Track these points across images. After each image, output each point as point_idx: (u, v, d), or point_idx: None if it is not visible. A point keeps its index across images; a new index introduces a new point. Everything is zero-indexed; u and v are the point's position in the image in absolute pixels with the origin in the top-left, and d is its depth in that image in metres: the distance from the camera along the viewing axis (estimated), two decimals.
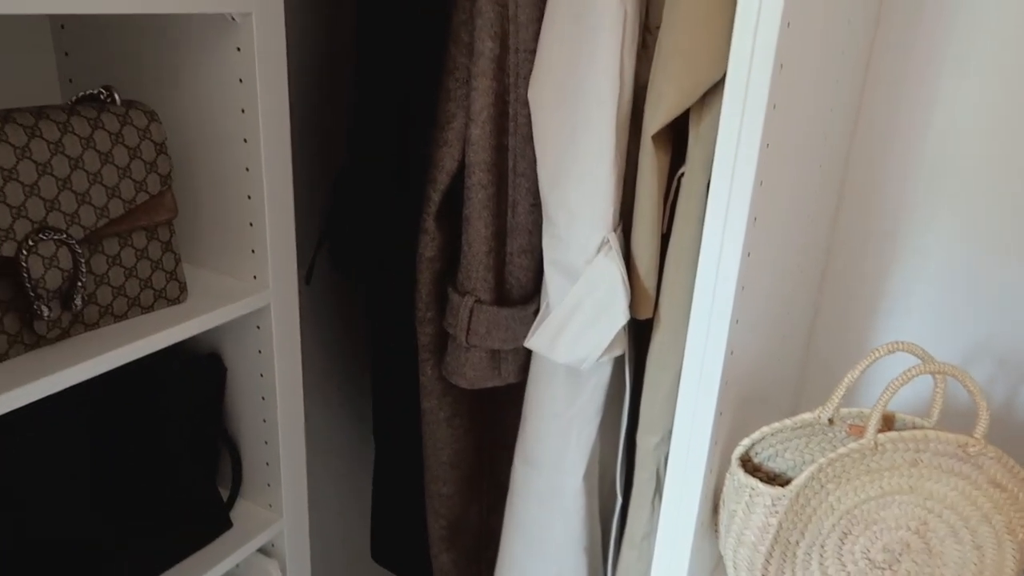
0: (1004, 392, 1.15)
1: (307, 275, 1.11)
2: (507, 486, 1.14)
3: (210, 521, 1.13)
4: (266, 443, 1.15)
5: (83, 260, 0.83)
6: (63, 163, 0.81)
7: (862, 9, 1.02)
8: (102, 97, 0.87)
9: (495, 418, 1.17)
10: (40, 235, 0.79)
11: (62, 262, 0.82)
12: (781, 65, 0.73)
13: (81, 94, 0.88)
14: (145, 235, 0.92)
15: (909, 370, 0.80)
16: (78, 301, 0.83)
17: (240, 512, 1.19)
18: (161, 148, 0.90)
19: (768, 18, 0.70)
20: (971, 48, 1.06)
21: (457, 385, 1.05)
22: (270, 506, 1.19)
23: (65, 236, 0.81)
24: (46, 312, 0.81)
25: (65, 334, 0.85)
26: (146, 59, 1.02)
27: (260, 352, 1.10)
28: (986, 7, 1.04)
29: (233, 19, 0.92)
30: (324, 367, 1.44)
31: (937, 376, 0.85)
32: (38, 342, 0.83)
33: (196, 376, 1.09)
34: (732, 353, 0.84)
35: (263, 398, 1.12)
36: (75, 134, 0.82)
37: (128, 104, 0.88)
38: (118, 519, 1.03)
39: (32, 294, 0.79)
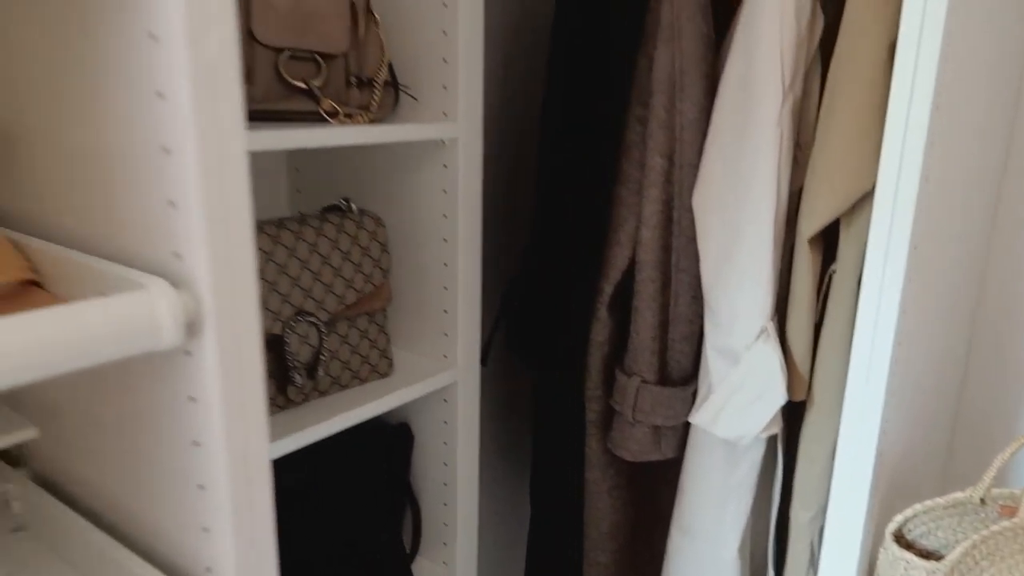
0: None
1: (483, 356, 1.27)
2: (662, 558, 1.22)
3: (395, 574, 1.27)
4: (445, 505, 1.29)
5: (325, 338, 1.02)
6: (316, 260, 1.01)
7: (1001, 127, 1.11)
8: (342, 207, 1.08)
9: (652, 491, 1.27)
10: (298, 317, 0.99)
11: (311, 340, 1.01)
12: (926, 178, 0.84)
13: (327, 205, 1.09)
14: (367, 319, 1.10)
15: None
16: (320, 372, 1.02)
17: (417, 569, 1.33)
18: (384, 247, 1.10)
19: (914, 140, 0.82)
20: None
21: (621, 458, 1.16)
22: (445, 564, 1.32)
23: (315, 319, 1.00)
24: (298, 380, 1.00)
25: (305, 399, 1.04)
26: (364, 173, 1.24)
27: (446, 423, 1.25)
28: None
29: (443, 143, 1.12)
30: (490, 435, 1.59)
31: None
32: (286, 405, 1.02)
33: (391, 442, 1.26)
34: (885, 433, 0.93)
35: (445, 464, 1.27)
36: (326, 237, 1.02)
37: (362, 212, 1.09)
38: (320, 561, 1.19)
39: (289, 365, 0.98)
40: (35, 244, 0.65)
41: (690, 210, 1.05)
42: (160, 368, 0.63)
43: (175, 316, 0.55)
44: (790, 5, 0.92)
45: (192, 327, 0.57)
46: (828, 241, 0.99)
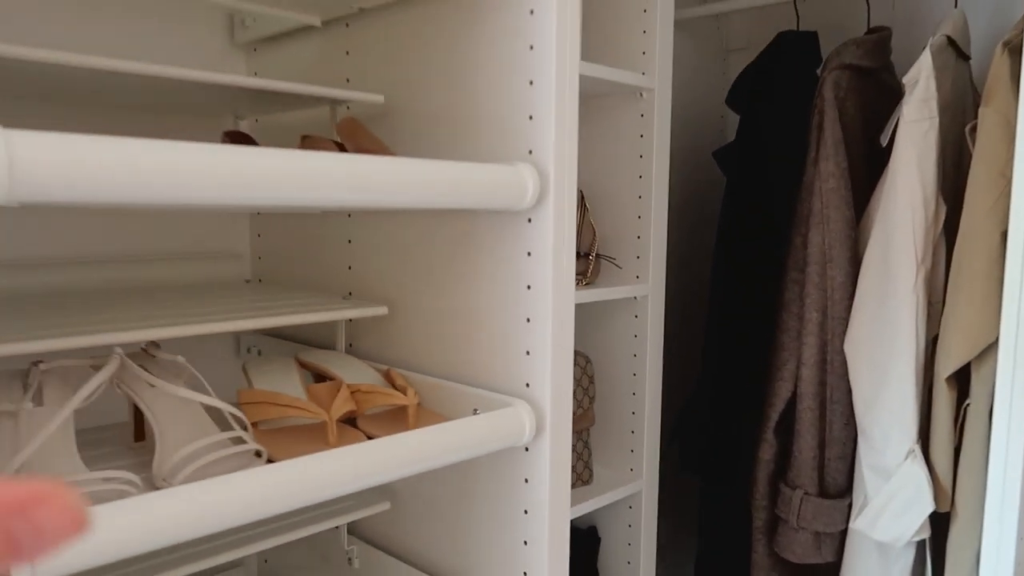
0: None
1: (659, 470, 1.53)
2: None
3: None
4: None
5: None
6: None
7: None
8: None
9: None
10: None
11: None
12: None
13: None
14: (576, 436, 1.39)
15: None
16: None
17: None
18: (592, 380, 1.40)
19: None
20: None
21: (783, 561, 1.38)
22: None
23: None
24: None
25: None
26: (578, 321, 1.57)
27: (629, 527, 1.50)
28: None
29: (635, 299, 1.44)
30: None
31: None
32: None
33: (583, 541, 1.52)
34: (1022, 539, 1.13)
35: (628, 563, 1.51)
36: None
37: (576, 352, 1.40)
38: None
39: None
40: (419, 378, 0.99)
41: (841, 353, 1.32)
42: (507, 458, 0.93)
43: (531, 425, 0.86)
44: (919, 199, 1.22)
45: (537, 431, 0.88)
46: (961, 380, 1.24)
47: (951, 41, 1.31)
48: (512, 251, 0.91)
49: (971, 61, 1.42)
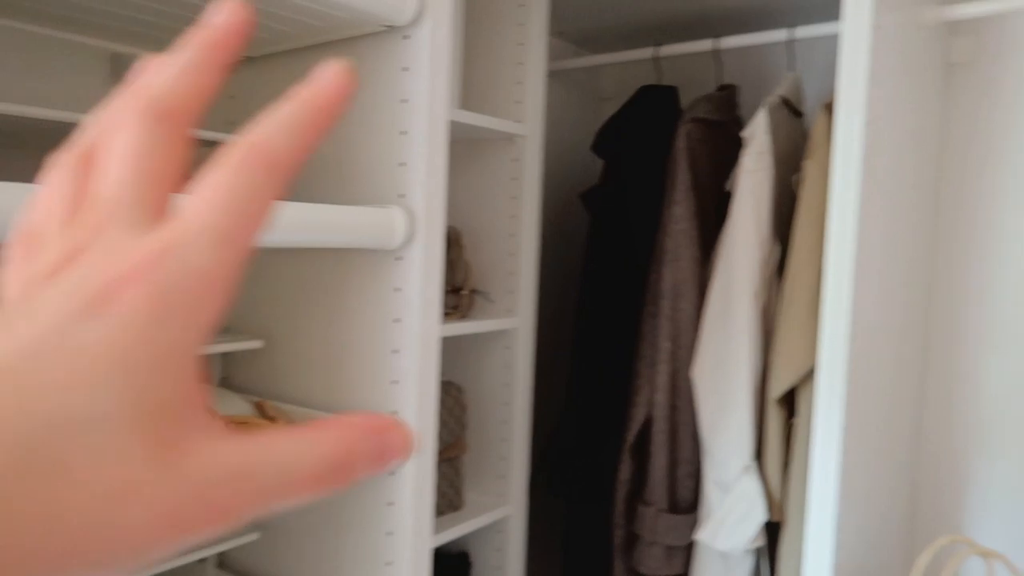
0: None
1: (528, 492, 1.62)
2: None
3: None
4: None
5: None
6: None
7: (916, 325, 1.55)
8: None
9: None
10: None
11: None
12: (850, 359, 1.26)
13: None
14: (448, 463, 1.46)
15: (958, 553, 1.21)
16: None
17: None
18: (465, 409, 1.47)
19: (842, 331, 1.24)
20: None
21: (642, 574, 1.49)
22: None
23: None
24: None
25: None
26: (452, 354, 1.64)
27: (499, 550, 1.58)
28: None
29: (506, 332, 1.53)
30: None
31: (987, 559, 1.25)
32: None
33: (455, 565, 1.58)
34: (840, 548, 1.28)
35: None
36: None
37: (448, 383, 1.47)
38: None
39: None
40: (292, 408, 1.04)
41: (689, 379, 1.45)
42: (372, 481, 0.99)
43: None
44: (755, 240, 1.37)
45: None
46: (790, 402, 1.39)
47: (785, 101, 1.49)
48: (381, 287, 0.97)
49: (804, 117, 1.61)
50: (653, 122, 1.66)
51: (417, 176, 0.93)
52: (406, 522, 0.96)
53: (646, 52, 1.73)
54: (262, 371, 1.12)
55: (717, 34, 1.75)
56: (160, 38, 1.07)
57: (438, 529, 1.40)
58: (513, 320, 1.51)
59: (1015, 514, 1.55)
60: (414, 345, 0.95)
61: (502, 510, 1.54)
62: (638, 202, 1.60)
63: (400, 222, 0.91)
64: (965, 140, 1.65)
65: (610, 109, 2.04)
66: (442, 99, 0.94)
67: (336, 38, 0.97)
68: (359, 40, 0.97)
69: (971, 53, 1.63)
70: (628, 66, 2.03)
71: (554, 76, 1.97)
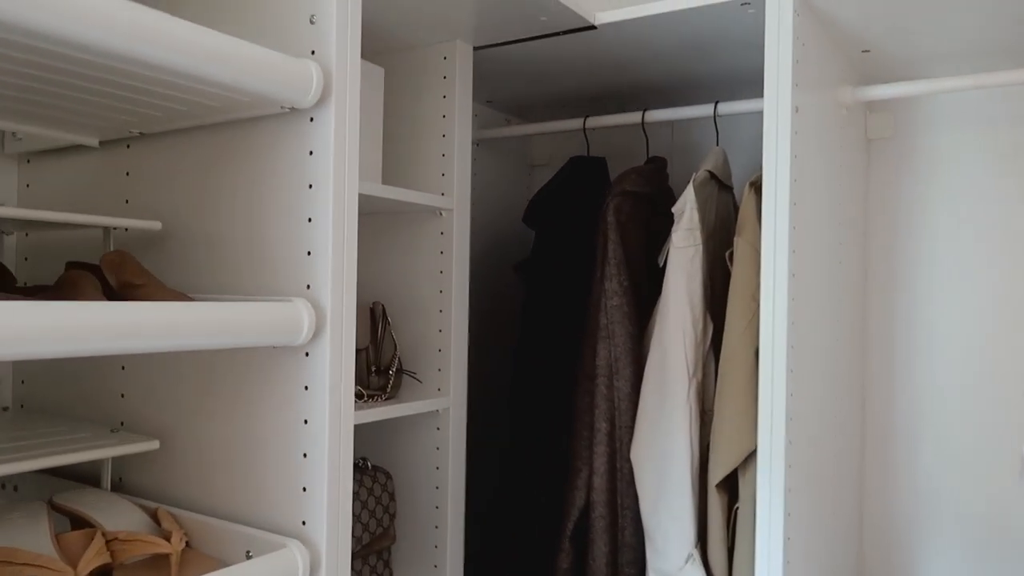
0: None
1: None
2: None
3: None
4: None
5: (357, 571, 1.28)
6: (357, 505, 1.29)
7: (850, 408, 1.53)
8: (359, 464, 1.38)
9: None
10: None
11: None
12: (790, 441, 1.22)
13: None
14: (376, 556, 1.36)
15: None
16: None
17: None
18: (392, 497, 1.38)
19: (778, 416, 1.20)
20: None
21: None
22: None
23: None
24: None
25: None
26: (379, 436, 1.55)
27: None
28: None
29: (437, 412, 1.46)
30: None
31: None
32: None
33: None
34: None
35: None
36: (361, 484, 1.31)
37: (375, 468, 1.38)
38: None
39: None
40: (191, 516, 0.94)
41: (628, 460, 1.39)
42: None
43: (305, 568, 0.84)
44: (688, 319, 1.33)
45: (312, 573, 0.86)
46: (731, 485, 1.34)
47: (712, 174, 1.47)
48: (289, 385, 0.90)
49: (734, 190, 1.60)
50: (583, 193, 1.63)
51: (324, 265, 0.86)
52: None
53: (576, 123, 1.71)
54: (159, 474, 1.02)
55: (646, 106, 1.75)
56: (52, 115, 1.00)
57: None
58: (443, 400, 1.44)
59: None
60: (324, 450, 0.87)
61: None
62: (569, 275, 1.56)
63: (306, 316, 0.84)
64: (886, 210, 1.67)
65: (542, 176, 2.02)
66: (351, 184, 0.88)
67: (238, 118, 0.91)
68: (263, 120, 0.91)
69: (888, 129, 1.66)
70: (559, 134, 2.02)
71: (485, 144, 1.95)
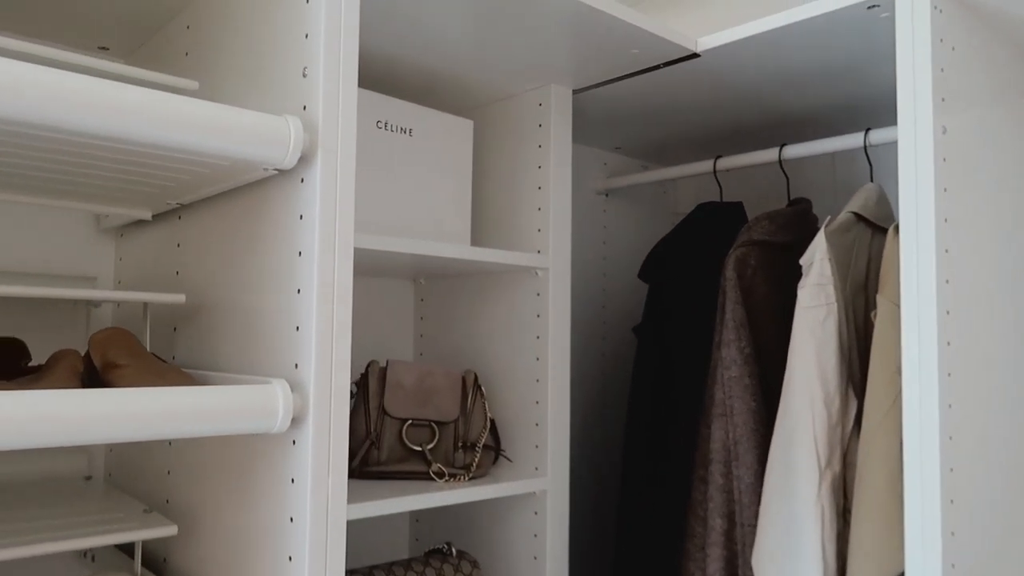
0: None
1: None
2: None
3: None
4: None
5: None
6: None
7: None
8: (443, 551, 1.26)
9: None
10: None
11: None
12: (952, 565, 0.92)
13: (431, 548, 1.27)
14: None
15: None
16: None
17: None
18: None
19: (931, 538, 0.91)
20: None
21: None
22: None
23: None
24: None
25: None
26: (469, 518, 1.42)
27: None
28: None
29: (535, 494, 1.30)
30: None
31: None
32: None
33: None
34: None
35: None
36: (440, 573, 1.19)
37: (460, 555, 1.26)
38: None
39: None
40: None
41: (749, 565, 1.14)
42: None
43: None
44: (819, 396, 1.08)
45: None
46: None
47: (860, 216, 1.21)
48: (274, 477, 0.81)
49: None
50: (713, 243, 1.42)
51: (308, 343, 0.77)
52: None
53: (707, 165, 1.51)
54: (185, 558, 0.97)
55: (793, 140, 1.51)
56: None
57: None
58: (541, 481, 1.28)
59: None
60: (306, 549, 0.76)
61: None
62: (686, 340, 1.35)
63: (280, 400, 0.75)
64: None
65: None
66: (343, 250, 0.79)
67: (243, 183, 0.86)
68: (259, 185, 0.85)
69: None
70: (703, 178, 1.81)
71: (617, 194, 1.79)
